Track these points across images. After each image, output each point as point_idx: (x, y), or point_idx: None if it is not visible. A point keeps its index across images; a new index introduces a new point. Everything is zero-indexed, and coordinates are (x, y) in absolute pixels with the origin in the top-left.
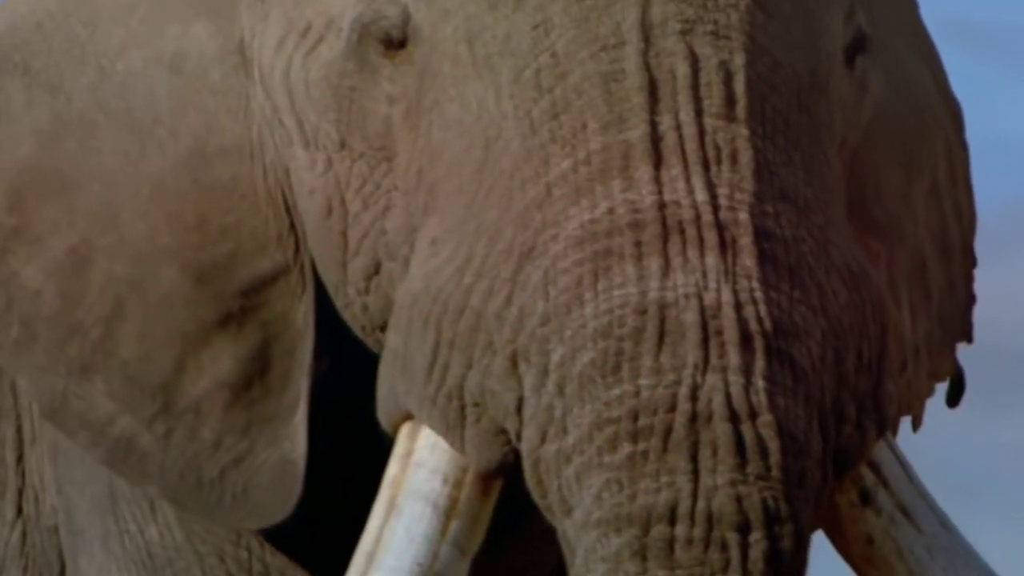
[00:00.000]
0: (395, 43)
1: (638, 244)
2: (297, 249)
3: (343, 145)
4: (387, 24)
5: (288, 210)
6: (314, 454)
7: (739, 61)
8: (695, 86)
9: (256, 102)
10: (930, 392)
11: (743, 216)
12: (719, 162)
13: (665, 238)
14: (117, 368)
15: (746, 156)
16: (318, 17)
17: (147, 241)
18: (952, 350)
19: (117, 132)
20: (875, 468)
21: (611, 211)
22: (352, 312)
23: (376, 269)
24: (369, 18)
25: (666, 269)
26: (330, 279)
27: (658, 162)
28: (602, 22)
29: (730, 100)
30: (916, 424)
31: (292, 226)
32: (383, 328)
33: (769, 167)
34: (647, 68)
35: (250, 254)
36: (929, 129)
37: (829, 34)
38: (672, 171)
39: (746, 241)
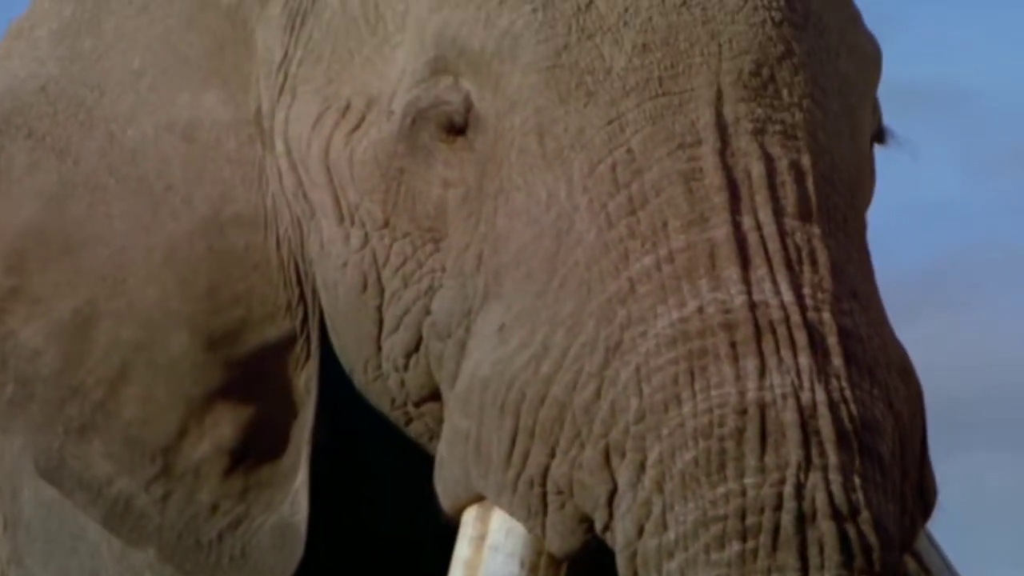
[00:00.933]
0: (455, 129)
1: (733, 345)
2: (305, 318)
3: (387, 224)
4: (450, 110)
5: (300, 280)
6: (316, 517)
7: (807, 161)
8: (772, 186)
9: (272, 172)
10: None
11: (827, 316)
12: (800, 262)
13: (758, 338)
14: (118, 429)
15: (823, 256)
16: (357, 96)
17: (158, 306)
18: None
19: (128, 197)
20: (917, 557)
21: (701, 310)
22: (383, 386)
23: (416, 347)
24: (428, 103)
25: (762, 369)
26: (359, 352)
27: (745, 262)
28: (677, 120)
29: (804, 200)
30: None
31: (302, 296)
32: (418, 403)
33: (840, 265)
34: (725, 168)
35: (259, 322)
36: None
37: (865, 130)
38: (758, 271)
39: (833, 341)
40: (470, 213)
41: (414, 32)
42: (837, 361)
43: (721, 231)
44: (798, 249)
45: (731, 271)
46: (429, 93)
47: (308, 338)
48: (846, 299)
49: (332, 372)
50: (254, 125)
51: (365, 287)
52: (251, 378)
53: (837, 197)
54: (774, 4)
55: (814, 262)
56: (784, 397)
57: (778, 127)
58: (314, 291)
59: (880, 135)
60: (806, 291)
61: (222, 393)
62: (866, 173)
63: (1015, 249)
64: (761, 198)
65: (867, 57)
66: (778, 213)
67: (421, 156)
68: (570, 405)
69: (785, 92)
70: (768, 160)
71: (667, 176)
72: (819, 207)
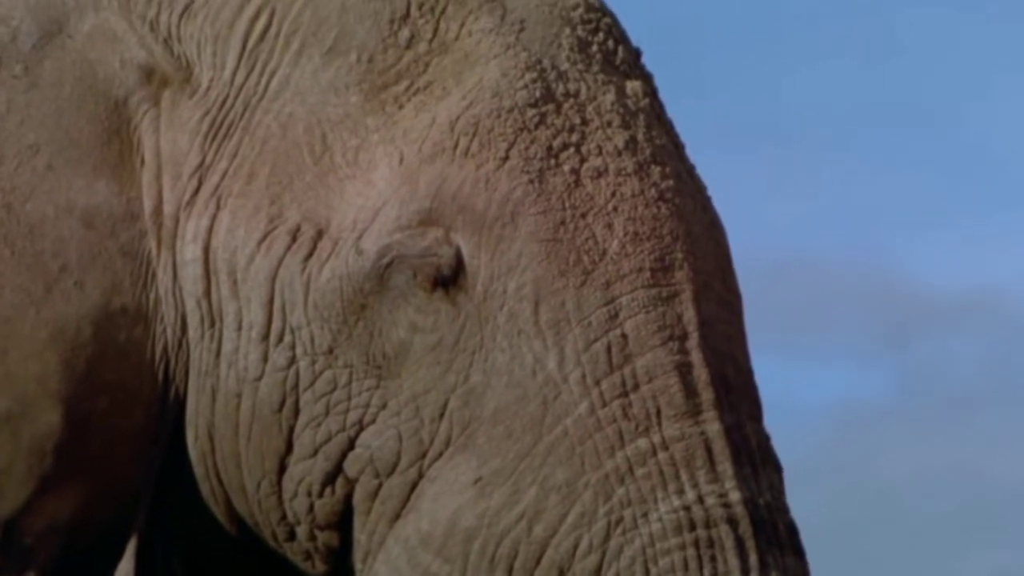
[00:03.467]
0: (439, 281)
1: (739, 540)
2: (162, 416)
3: (330, 351)
4: (439, 263)
5: (167, 379)
6: None
7: (746, 365)
8: (744, 389)
9: (164, 272)
10: None
11: (790, 518)
12: (765, 464)
13: (756, 535)
14: None
15: (773, 457)
16: (305, 223)
17: (37, 382)
18: None
19: (23, 271)
20: None
21: (701, 500)
22: (277, 503)
23: (335, 476)
24: (414, 251)
25: (761, 567)
26: (258, 466)
27: (736, 458)
28: (667, 312)
29: (757, 404)
30: None
31: (165, 395)
32: (323, 528)
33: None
34: (709, 364)
35: (119, 412)
36: None
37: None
38: (745, 469)
39: (795, 541)
40: (438, 362)
41: (393, 175)
42: (795, 560)
43: (714, 426)
44: (762, 451)
45: (726, 466)
46: (415, 242)
47: (158, 436)
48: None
49: (183, 472)
50: (147, 222)
51: (282, 406)
52: (100, 465)
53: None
54: (709, 206)
55: (768, 463)
56: None
57: (733, 329)
58: (178, 393)
59: None
60: (775, 492)
61: (72, 476)
62: None
63: None
64: (735, 399)
65: None
66: (748, 416)
67: (389, 298)
68: (569, 571)
69: (732, 297)
70: (735, 364)
71: (661, 365)
72: (760, 409)
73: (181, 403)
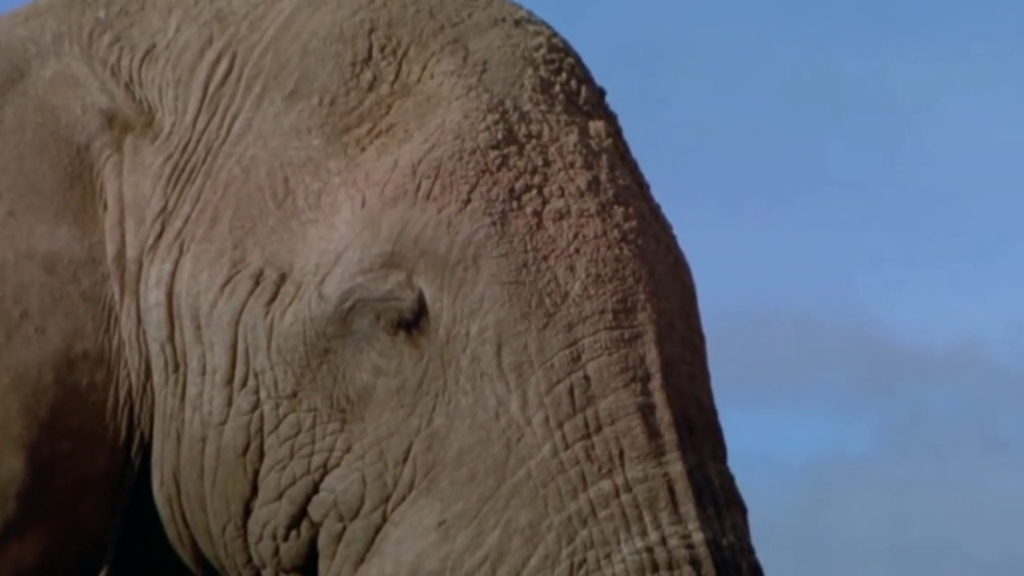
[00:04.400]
0: (401, 324)
1: None
2: (127, 461)
3: (293, 395)
4: (402, 307)
5: (131, 424)
6: None
7: (708, 402)
8: (707, 429)
9: (128, 316)
10: None
11: (753, 559)
12: (728, 504)
13: (719, 575)
14: None
15: (736, 497)
16: (268, 267)
17: None
18: None
19: None
20: None
21: (664, 542)
22: (242, 546)
23: (300, 519)
24: (377, 295)
25: None
26: (224, 509)
27: (698, 499)
28: (630, 354)
29: (721, 444)
30: None
31: (129, 439)
32: (289, 571)
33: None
34: (672, 406)
35: (83, 457)
36: None
37: None
38: (708, 510)
39: None
40: (402, 405)
41: (355, 219)
42: None
43: (676, 467)
44: (724, 492)
45: (689, 508)
46: (377, 285)
47: (123, 481)
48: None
49: (148, 516)
50: (110, 267)
51: (246, 450)
52: (65, 510)
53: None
54: (673, 246)
55: (731, 504)
56: None
57: (696, 370)
58: (142, 437)
59: None
60: (739, 533)
61: (36, 521)
62: None
63: None
64: (699, 439)
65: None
66: (711, 456)
67: (353, 341)
68: None
69: (695, 338)
70: (699, 404)
71: (624, 407)
72: (724, 450)
73: (146, 447)
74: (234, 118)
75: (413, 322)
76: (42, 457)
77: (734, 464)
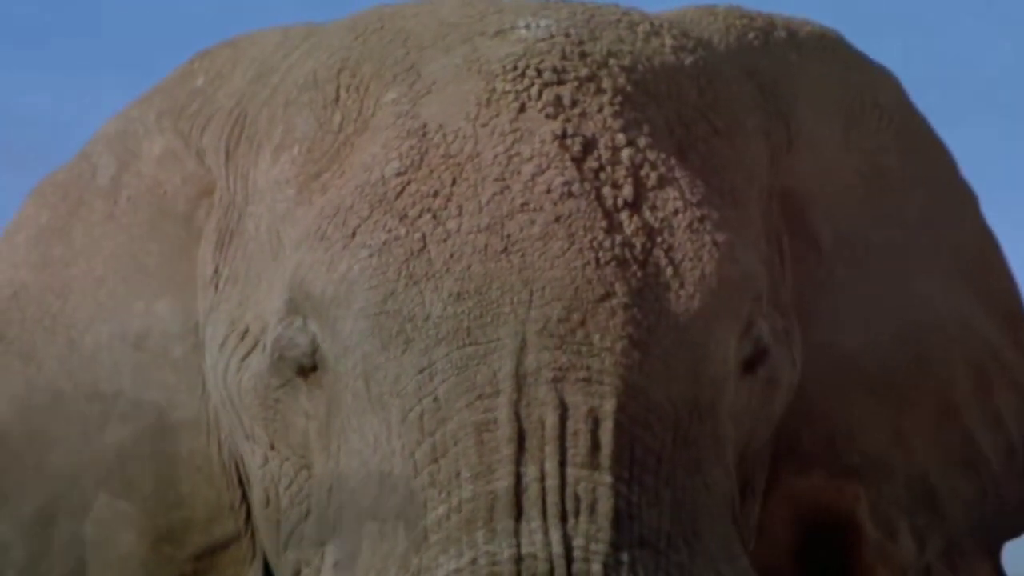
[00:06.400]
0: (307, 368)
1: None
2: (248, 518)
3: (272, 447)
4: (298, 352)
5: (241, 481)
6: None
7: (608, 407)
8: (562, 436)
9: (211, 382)
10: None
11: (596, 568)
12: (577, 513)
13: None
14: None
15: (606, 505)
16: (255, 322)
17: (107, 506)
18: (989, 555)
19: (82, 402)
20: None
21: (474, 562)
22: None
23: (298, 569)
24: (286, 344)
25: None
26: (272, 561)
27: (519, 514)
28: (480, 370)
29: (595, 448)
30: None
31: (244, 497)
32: None
33: (631, 512)
34: (517, 419)
35: (204, 522)
36: (932, 355)
37: (716, 359)
38: (532, 524)
39: None
40: (324, 447)
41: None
42: None
43: (502, 483)
44: (578, 499)
45: (504, 523)
46: (286, 332)
47: (253, 537)
48: (626, 548)
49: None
50: (199, 334)
51: (267, 502)
52: (199, 575)
53: (650, 438)
54: (604, 244)
55: (592, 512)
56: None
57: (581, 374)
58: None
59: (757, 357)
60: (578, 542)
61: None
62: (721, 400)
63: None
64: (550, 448)
65: (723, 284)
66: (563, 464)
67: (289, 388)
68: None
69: (597, 336)
70: (563, 409)
71: (464, 427)
72: (614, 454)
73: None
74: (245, 178)
75: (310, 366)
76: (158, 528)
77: None
